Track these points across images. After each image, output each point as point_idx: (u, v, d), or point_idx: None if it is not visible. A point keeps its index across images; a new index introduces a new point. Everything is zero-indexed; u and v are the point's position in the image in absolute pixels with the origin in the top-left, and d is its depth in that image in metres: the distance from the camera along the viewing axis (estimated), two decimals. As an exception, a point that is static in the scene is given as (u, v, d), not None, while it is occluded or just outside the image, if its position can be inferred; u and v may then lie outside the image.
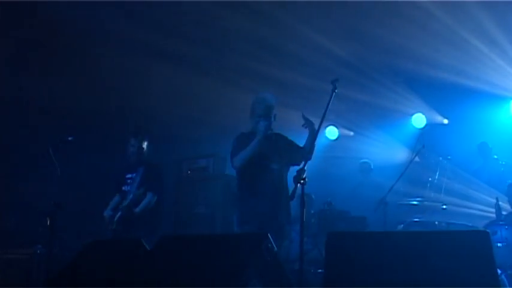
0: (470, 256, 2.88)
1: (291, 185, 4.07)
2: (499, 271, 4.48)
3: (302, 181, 3.68)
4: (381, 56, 7.60)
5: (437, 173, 6.98)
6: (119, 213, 5.82)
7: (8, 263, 6.18)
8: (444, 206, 6.32)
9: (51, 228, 4.78)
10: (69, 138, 5.25)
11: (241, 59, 7.32)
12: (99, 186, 6.87)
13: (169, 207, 7.59)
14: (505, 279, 5.31)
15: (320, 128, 4.26)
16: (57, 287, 3.93)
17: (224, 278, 3.16)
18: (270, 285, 3.27)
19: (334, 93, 4.05)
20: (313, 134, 4.70)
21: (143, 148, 6.11)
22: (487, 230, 3.41)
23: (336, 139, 9.28)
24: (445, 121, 8.71)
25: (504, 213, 6.10)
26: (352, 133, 9.45)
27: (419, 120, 8.59)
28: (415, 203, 6.63)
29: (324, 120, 4.10)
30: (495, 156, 7.66)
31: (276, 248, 3.39)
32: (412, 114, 8.64)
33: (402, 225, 6.28)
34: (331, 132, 9.24)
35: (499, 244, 5.70)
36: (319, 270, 5.82)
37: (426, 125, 8.51)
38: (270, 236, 3.37)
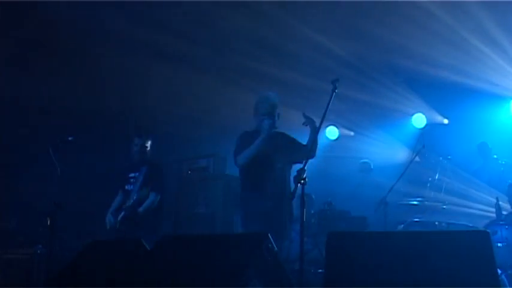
0: (471, 256, 2.88)
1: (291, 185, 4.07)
2: (499, 271, 4.48)
3: (302, 181, 3.67)
4: (381, 56, 7.60)
5: (438, 173, 6.98)
6: (122, 213, 5.81)
7: (8, 263, 6.18)
8: (444, 206, 6.33)
9: (51, 228, 4.78)
10: (69, 138, 5.25)
11: (241, 58, 7.32)
12: (99, 186, 6.87)
13: (169, 207, 7.57)
14: (505, 279, 5.30)
15: (320, 127, 4.25)
16: (57, 287, 3.93)
17: (224, 278, 3.16)
18: (271, 285, 3.27)
19: (334, 93, 4.04)
20: (315, 131, 4.69)
21: (146, 147, 6.10)
22: (487, 230, 3.41)
23: (336, 139, 9.29)
24: (445, 121, 8.71)
25: (504, 213, 6.09)
26: (352, 133, 9.45)
27: (419, 120, 8.59)
28: (415, 203, 6.62)
29: (324, 120, 4.10)
30: (495, 156, 7.66)
31: (276, 248, 3.39)
32: (412, 114, 8.64)
33: (402, 225, 6.27)
34: (331, 132, 9.24)
35: (499, 244, 5.69)
36: (320, 270, 5.81)
37: (426, 124, 8.51)
38: (270, 236, 3.37)
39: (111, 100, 7.47)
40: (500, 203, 6.13)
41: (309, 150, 4.63)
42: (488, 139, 7.86)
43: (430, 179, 7.01)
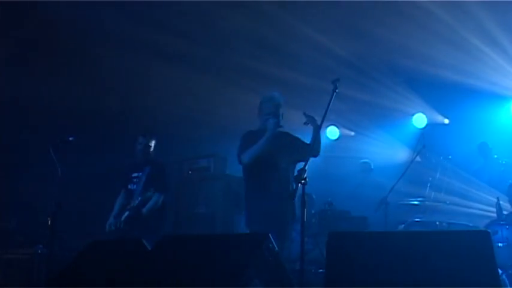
0: (471, 256, 2.88)
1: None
2: (499, 271, 4.47)
3: (303, 181, 3.67)
4: (381, 56, 7.60)
5: (438, 173, 6.98)
6: (127, 213, 5.80)
7: (9, 263, 6.18)
8: (448, 202, 6.33)
9: (52, 228, 4.77)
10: (70, 138, 5.24)
11: (241, 58, 7.32)
12: (100, 186, 6.87)
13: (169, 207, 7.57)
14: (506, 279, 5.30)
15: (321, 127, 4.25)
16: (57, 287, 3.93)
17: (225, 278, 3.15)
18: (271, 285, 3.26)
19: (335, 93, 4.04)
20: (317, 129, 4.70)
21: (150, 147, 6.09)
22: (488, 230, 3.40)
23: (337, 139, 9.29)
24: (446, 121, 8.71)
25: (505, 213, 6.09)
26: (352, 133, 9.45)
27: (420, 120, 8.59)
28: (416, 203, 6.63)
29: (324, 120, 4.10)
30: (495, 156, 7.66)
31: (277, 248, 3.38)
32: (413, 114, 8.65)
33: (403, 225, 6.27)
34: (332, 132, 9.25)
35: (499, 244, 5.70)
36: (320, 270, 5.80)
37: (427, 124, 8.52)
38: (271, 236, 3.37)
39: (111, 100, 7.47)
40: (500, 202, 6.13)
41: (312, 148, 4.63)
42: (489, 139, 7.86)
43: (430, 178, 7.01)
